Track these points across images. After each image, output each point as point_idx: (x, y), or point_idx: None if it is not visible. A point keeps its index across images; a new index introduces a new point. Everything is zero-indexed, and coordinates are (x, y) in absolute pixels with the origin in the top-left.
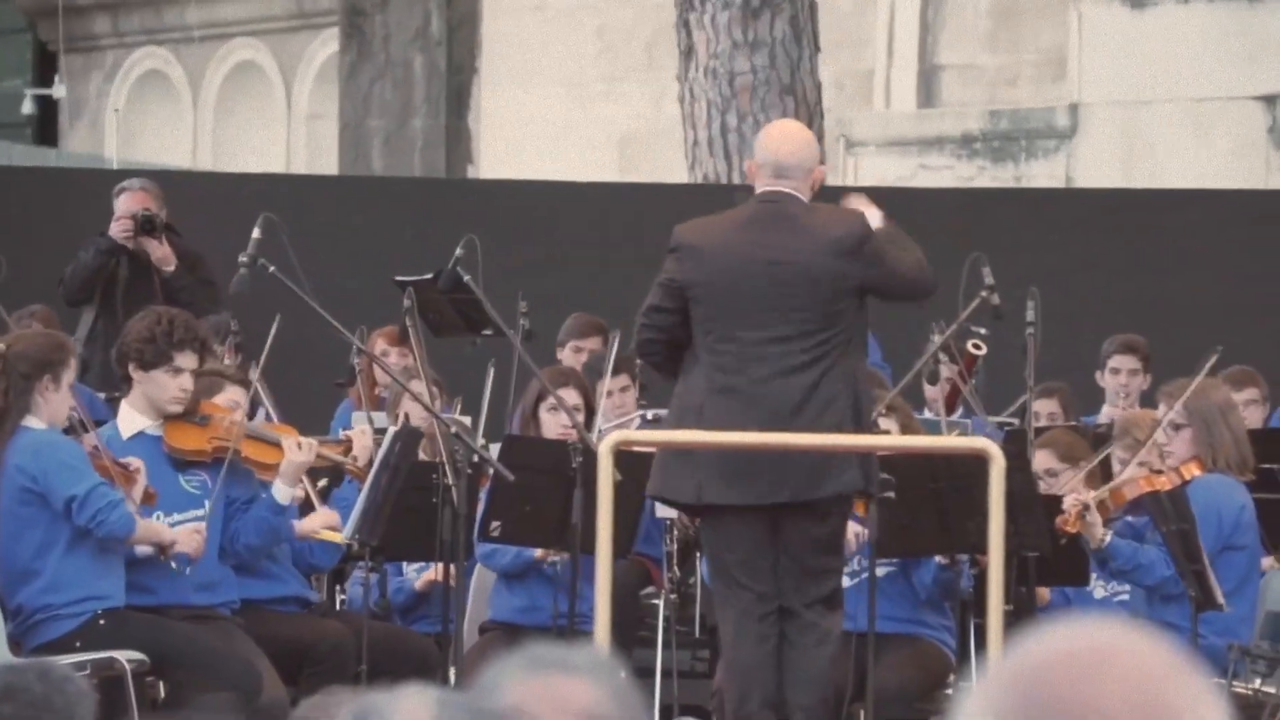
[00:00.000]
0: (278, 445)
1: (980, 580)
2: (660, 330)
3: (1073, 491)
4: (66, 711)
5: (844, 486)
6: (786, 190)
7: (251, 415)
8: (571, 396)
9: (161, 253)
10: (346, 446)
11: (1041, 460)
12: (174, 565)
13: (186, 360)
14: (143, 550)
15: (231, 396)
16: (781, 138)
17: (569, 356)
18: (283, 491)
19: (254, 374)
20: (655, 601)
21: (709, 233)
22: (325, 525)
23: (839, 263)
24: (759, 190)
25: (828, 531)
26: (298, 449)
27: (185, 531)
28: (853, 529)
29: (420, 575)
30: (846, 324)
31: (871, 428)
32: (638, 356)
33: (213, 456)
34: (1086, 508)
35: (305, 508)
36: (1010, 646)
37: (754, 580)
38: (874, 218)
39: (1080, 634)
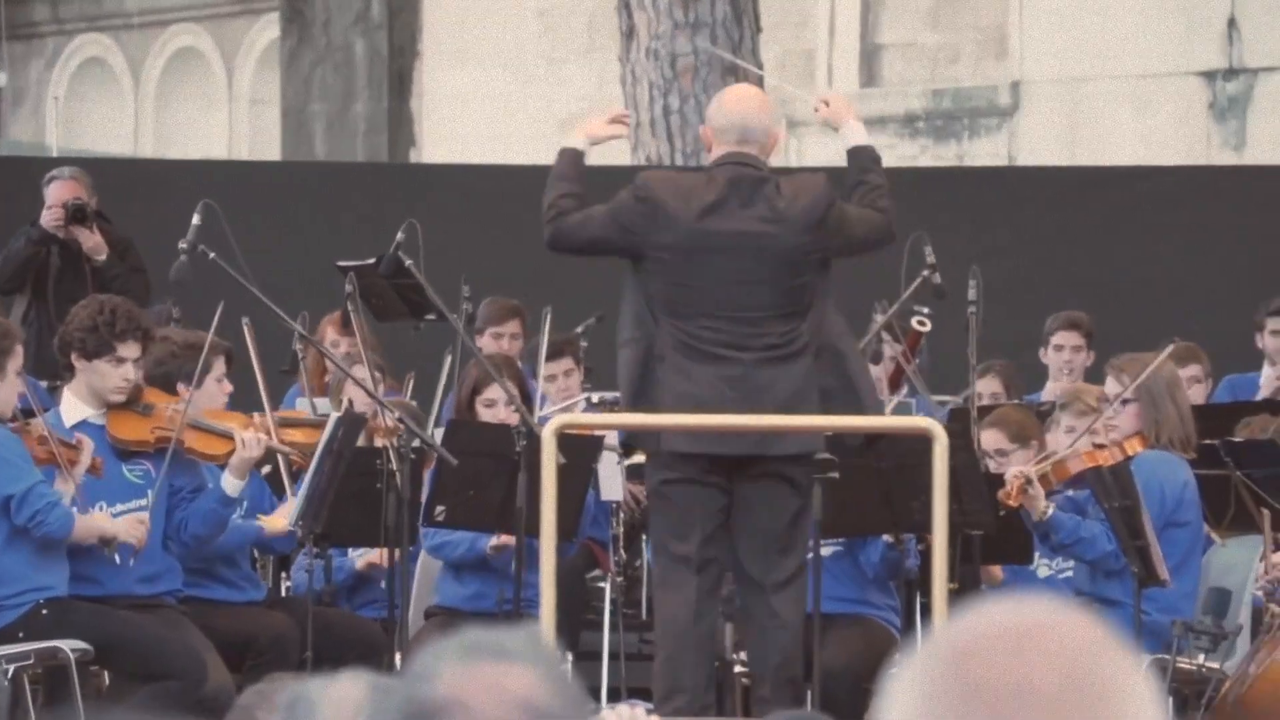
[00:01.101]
0: (226, 436)
1: (925, 559)
2: (588, 248)
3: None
4: None
5: (803, 446)
6: (752, 153)
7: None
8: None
9: (93, 242)
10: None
11: (992, 440)
12: (117, 558)
13: (129, 350)
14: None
15: (221, 369)
16: (743, 100)
17: (488, 343)
18: (231, 484)
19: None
20: (602, 585)
21: (681, 194)
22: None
23: (809, 236)
24: (721, 153)
25: (797, 505)
26: (248, 443)
27: (128, 522)
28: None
29: (363, 557)
30: (812, 294)
31: (858, 390)
32: (556, 238)
33: (155, 446)
34: (1029, 480)
35: (275, 482)
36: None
37: (702, 547)
38: (859, 131)
39: (1009, 611)
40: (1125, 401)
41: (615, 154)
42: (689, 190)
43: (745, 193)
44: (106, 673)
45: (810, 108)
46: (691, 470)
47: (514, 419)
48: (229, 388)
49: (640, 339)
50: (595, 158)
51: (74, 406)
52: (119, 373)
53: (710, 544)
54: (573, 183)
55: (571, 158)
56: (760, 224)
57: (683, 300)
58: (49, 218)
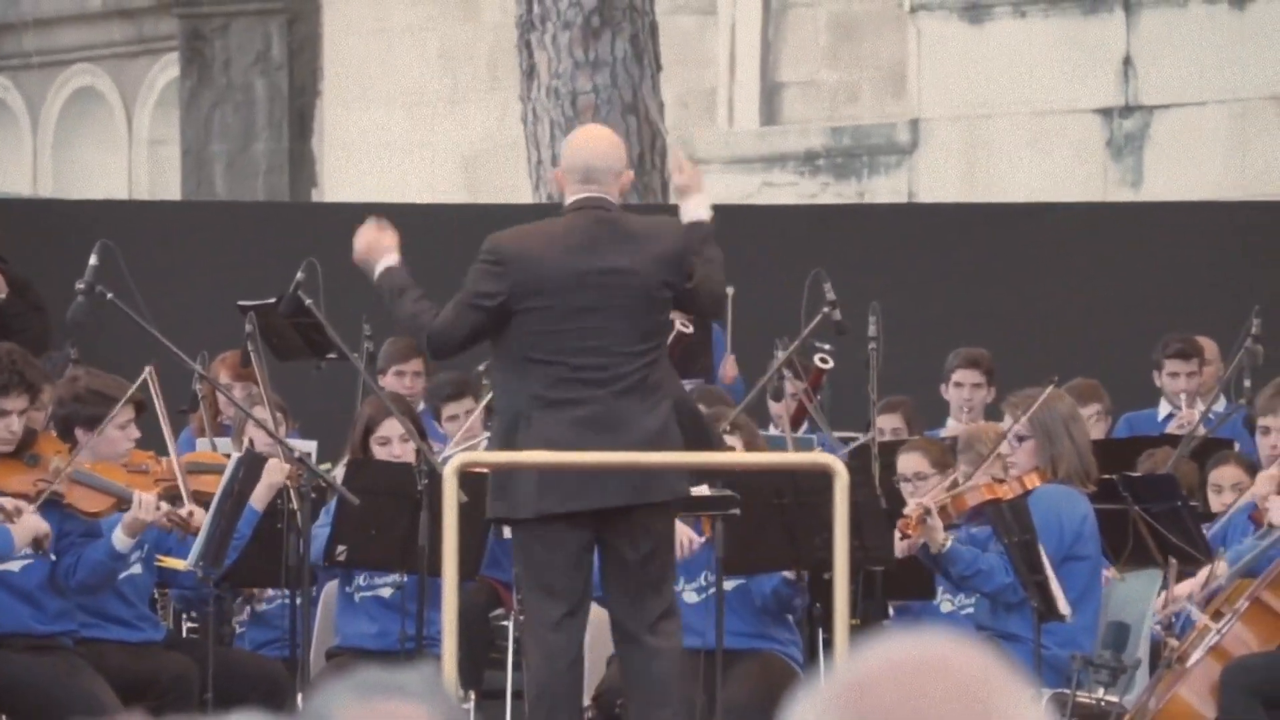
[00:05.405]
0: (112, 494)
1: (827, 594)
2: (469, 342)
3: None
4: None
5: (672, 493)
6: (598, 194)
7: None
8: (400, 425)
9: None
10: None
11: (912, 463)
12: (53, 556)
13: (9, 402)
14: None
15: (127, 415)
16: (590, 140)
17: (391, 381)
18: (121, 540)
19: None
20: (505, 623)
21: (534, 243)
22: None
23: (666, 275)
24: (572, 198)
25: (656, 539)
26: (143, 505)
27: (28, 516)
28: (684, 532)
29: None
30: (663, 335)
31: (711, 432)
32: (434, 347)
33: (36, 499)
34: (928, 511)
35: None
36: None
37: (569, 592)
38: (704, 206)
39: (906, 646)
40: (1021, 438)
41: (517, 193)
42: (548, 236)
43: (606, 231)
44: (6, 718)
45: (678, 161)
46: (558, 522)
47: (409, 457)
48: (136, 434)
49: (508, 407)
50: (496, 195)
51: None
52: (2, 424)
53: (577, 590)
54: (417, 287)
55: (399, 270)
56: (624, 260)
57: (547, 343)
58: None
